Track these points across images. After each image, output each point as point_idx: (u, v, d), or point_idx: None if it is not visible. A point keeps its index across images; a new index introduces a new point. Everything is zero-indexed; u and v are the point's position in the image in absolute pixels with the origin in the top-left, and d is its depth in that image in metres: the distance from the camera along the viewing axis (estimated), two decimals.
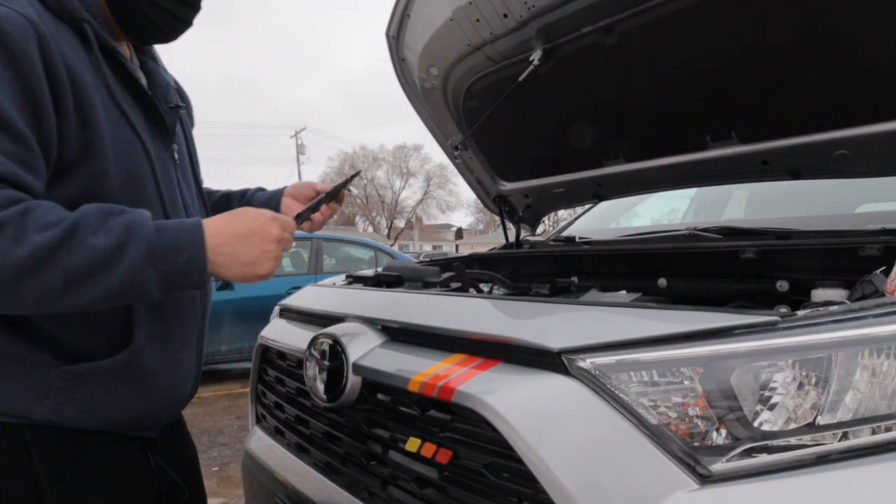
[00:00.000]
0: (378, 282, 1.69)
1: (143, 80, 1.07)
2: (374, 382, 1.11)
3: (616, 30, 1.64)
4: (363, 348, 1.15)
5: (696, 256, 1.62)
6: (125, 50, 1.07)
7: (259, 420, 1.66)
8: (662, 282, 1.67)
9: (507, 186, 2.43)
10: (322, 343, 1.20)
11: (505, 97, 1.97)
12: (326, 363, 1.17)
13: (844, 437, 0.76)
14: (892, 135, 1.37)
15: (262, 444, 1.54)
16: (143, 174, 0.99)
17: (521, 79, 1.87)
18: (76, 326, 0.93)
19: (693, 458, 0.76)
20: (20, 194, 0.80)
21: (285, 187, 1.38)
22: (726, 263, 1.53)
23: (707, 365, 0.78)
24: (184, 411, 1.22)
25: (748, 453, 0.76)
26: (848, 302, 1.09)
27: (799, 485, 0.73)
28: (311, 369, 1.21)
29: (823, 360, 0.77)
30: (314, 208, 1.20)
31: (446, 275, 1.68)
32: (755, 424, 0.76)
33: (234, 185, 1.50)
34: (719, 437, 0.77)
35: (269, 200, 1.36)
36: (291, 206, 1.33)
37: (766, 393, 0.77)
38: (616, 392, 0.80)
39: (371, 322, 1.22)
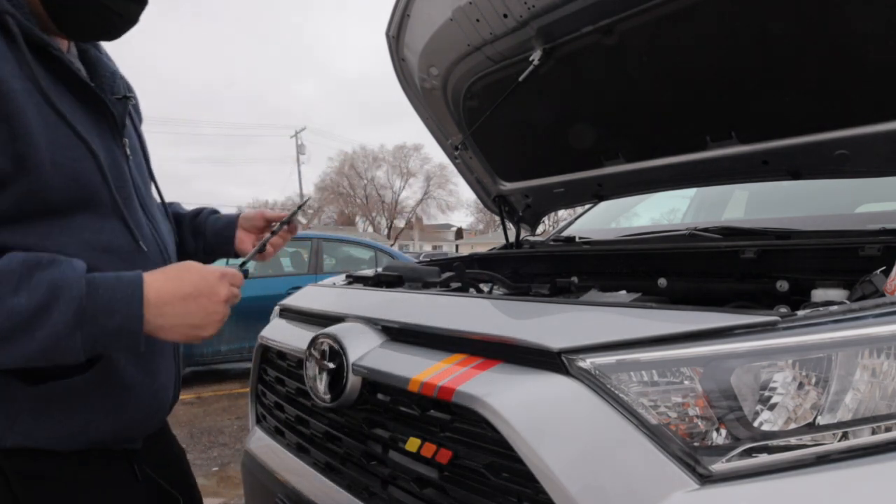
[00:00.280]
0: (378, 282, 1.69)
1: (84, 72, 0.96)
2: (374, 382, 1.11)
3: (616, 30, 1.64)
4: (363, 348, 1.15)
5: (696, 256, 1.62)
6: (60, 42, 0.95)
7: (259, 420, 1.66)
8: (662, 282, 1.67)
9: (507, 186, 2.43)
10: (322, 343, 1.20)
11: (505, 97, 1.97)
12: (326, 363, 1.17)
13: (844, 437, 0.76)
14: (892, 135, 1.37)
15: (262, 444, 1.54)
16: (92, 180, 0.89)
17: (521, 79, 1.87)
18: None
19: (693, 458, 0.76)
20: None
21: (240, 214, 1.33)
22: (726, 263, 1.53)
23: (707, 365, 0.78)
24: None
25: (748, 453, 0.76)
26: (848, 302, 1.09)
27: (799, 485, 0.73)
28: (311, 369, 1.21)
29: (823, 360, 0.77)
30: (262, 248, 1.19)
31: (446, 275, 1.68)
32: (755, 424, 0.76)
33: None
34: (719, 437, 0.77)
35: (224, 229, 1.30)
36: (243, 239, 1.30)
37: (766, 393, 0.77)
38: (616, 392, 0.80)
39: (371, 322, 1.22)
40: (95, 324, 0.77)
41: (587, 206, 2.87)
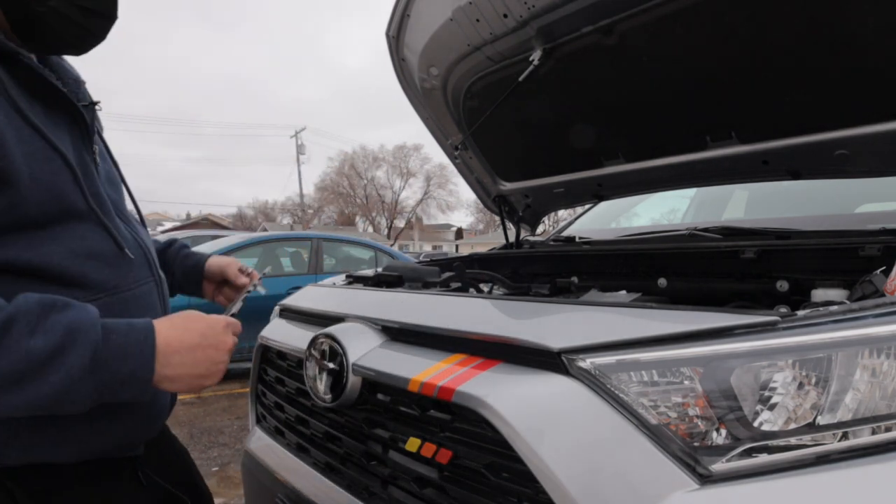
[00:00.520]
0: (378, 282, 1.69)
1: (56, 81, 0.92)
2: (374, 382, 1.11)
3: (616, 30, 1.64)
4: (363, 348, 1.15)
5: (696, 256, 1.62)
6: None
7: (259, 420, 1.66)
8: (662, 282, 1.67)
9: (507, 186, 2.43)
10: (322, 343, 1.20)
11: (505, 97, 1.97)
12: (326, 363, 1.17)
13: (844, 437, 0.76)
14: (892, 135, 1.37)
15: (262, 444, 1.54)
16: (68, 191, 0.86)
17: (521, 79, 1.87)
18: None
19: (693, 458, 0.76)
20: None
21: (208, 257, 1.31)
22: (726, 263, 1.53)
23: (707, 365, 0.78)
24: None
25: (748, 453, 0.76)
26: (848, 302, 1.09)
27: (799, 485, 0.73)
28: (311, 369, 1.21)
29: (823, 360, 0.77)
30: (236, 312, 1.19)
31: (446, 275, 1.68)
32: (755, 424, 0.76)
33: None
34: (719, 437, 0.77)
35: (192, 271, 1.28)
36: (206, 288, 1.30)
37: (766, 393, 0.77)
38: (616, 392, 0.80)
39: (371, 322, 1.22)
40: (108, 370, 0.76)
41: (587, 206, 2.87)
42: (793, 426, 0.76)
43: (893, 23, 1.25)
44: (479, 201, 2.62)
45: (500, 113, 2.05)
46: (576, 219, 2.88)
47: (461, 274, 1.69)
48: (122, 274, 0.93)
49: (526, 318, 1.04)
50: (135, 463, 1.00)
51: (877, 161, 1.47)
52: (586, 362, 0.83)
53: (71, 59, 1.05)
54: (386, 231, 49.50)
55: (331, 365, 1.16)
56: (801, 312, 0.82)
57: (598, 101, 1.92)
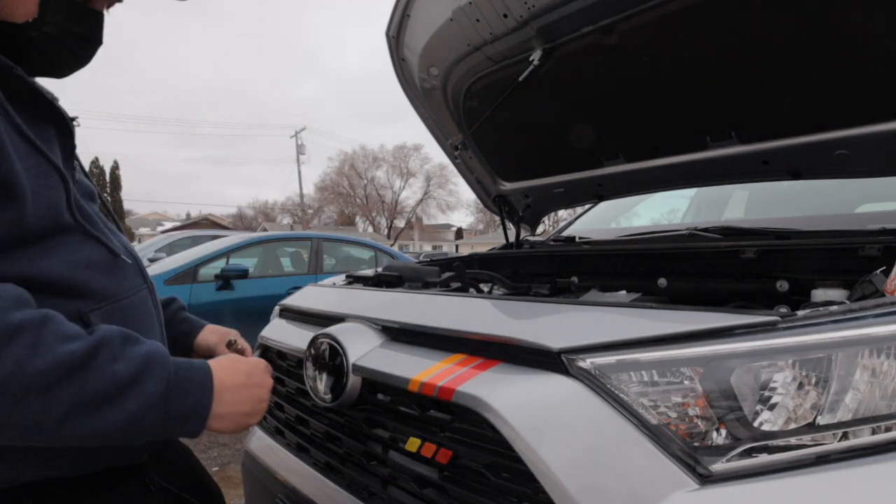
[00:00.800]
0: (378, 282, 1.69)
1: (49, 94, 0.91)
2: (373, 382, 1.11)
3: (616, 30, 1.64)
4: (363, 348, 1.15)
5: (696, 256, 1.62)
6: None
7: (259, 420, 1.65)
8: (662, 282, 1.67)
9: (507, 186, 2.43)
10: (322, 343, 1.20)
11: (505, 97, 1.97)
12: (326, 363, 1.17)
13: (844, 437, 0.76)
14: (892, 135, 1.37)
15: (262, 444, 1.54)
16: (62, 205, 0.86)
17: (521, 79, 1.87)
18: None
19: (693, 458, 0.76)
20: (30, 296, 0.71)
21: (202, 328, 1.30)
22: (726, 263, 1.53)
23: (707, 365, 0.78)
24: None
25: (748, 453, 0.76)
26: (848, 302, 1.09)
27: (799, 485, 0.73)
28: (311, 369, 1.21)
29: (823, 360, 0.77)
30: None
31: (446, 275, 1.68)
32: (755, 424, 0.76)
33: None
34: (719, 437, 0.77)
35: (183, 339, 1.26)
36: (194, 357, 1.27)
37: (766, 393, 0.77)
38: (616, 392, 0.80)
39: (371, 322, 1.22)
40: (176, 401, 0.78)
41: (587, 206, 2.87)
42: (793, 426, 0.76)
43: (893, 23, 1.26)
44: (479, 201, 2.62)
45: (500, 113, 2.05)
46: (576, 219, 2.88)
47: (461, 274, 1.69)
48: (118, 282, 0.94)
49: (526, 318, 1.04)
50: (141, 470, 1.00)
51: (877, 161, 1.47)
52: (586, 362, 0.83)
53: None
54: (386, 231, 49.51)
55: (331, 365, 1.16)
56: (801, 312, 0.82)
57: (598, 101, 1.92)
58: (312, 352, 1.22)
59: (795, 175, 1.65)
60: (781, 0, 1.37)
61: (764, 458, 0.75)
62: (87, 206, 0.96)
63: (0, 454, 0.80)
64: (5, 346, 0.66)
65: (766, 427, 0.76)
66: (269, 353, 1.59)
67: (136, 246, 11.58)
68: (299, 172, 38.31)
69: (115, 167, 54.48)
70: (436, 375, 0.96)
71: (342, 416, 1.22)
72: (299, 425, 1.40)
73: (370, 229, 49.68)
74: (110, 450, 0.91)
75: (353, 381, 1.12)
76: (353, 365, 1.11)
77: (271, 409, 1.56)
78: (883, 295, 0.98)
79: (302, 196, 41.34)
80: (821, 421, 0.76)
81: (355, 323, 1.24)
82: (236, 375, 0.89)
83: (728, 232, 1.70)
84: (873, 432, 0.76)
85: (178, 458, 1.18)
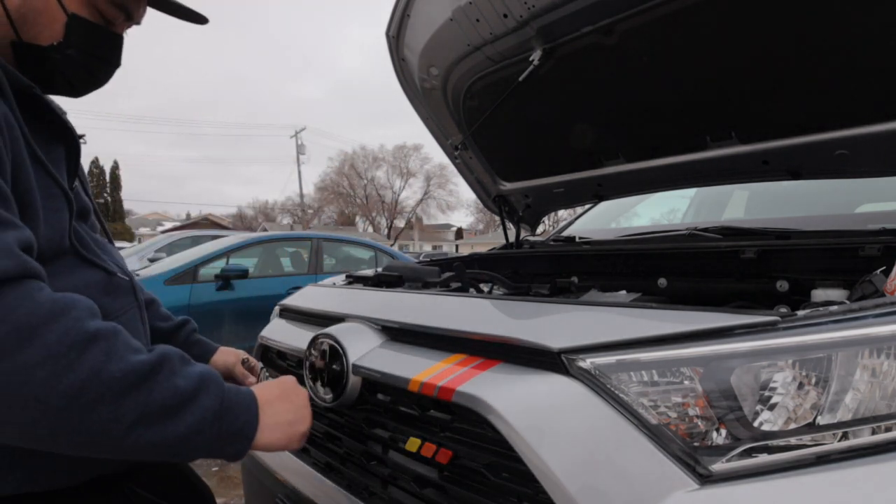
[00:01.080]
0: (378, 282, 1.69)
1: (64, 116, 0.93)
2: (374, 382, 1.11)
3: (616, 30, 1.64)
4: (363, 348, 1.15)
5: (696, 256, 1.62)
6: None
7: None
8: (662, 282, 1.67)
9: (507, 186, 2.43)
10: (322, 343, 1.20)
11: (505, 97, 1.97)
12: (326, 363, 1.17)
13: (844, 437, 0.76)
14: (892, 135, 1.37)
15: None
16: (65, 228, 0.87)
17: (521, 79, 1.87)
18: None
19: (693, 458, 0.76)
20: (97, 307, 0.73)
21: (216, 350, 1.33)
22: (726, 263, 1.53)
23: (707, 365, 0.78)
24: None
25: (748, 453, 0.76)
26: (848, 302, 1.09)
27: (799, 485, 0.73)
28: (311, 369, 1.21)
29: (823, 360, 0.77)
30: None
31: (446, 275, 1.68)
32: (755, 424, 0.76)
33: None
34: (719, 437, 0.77)
35: (203, 355, 1.28)
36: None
37: (766, 393, 0.77)
38: (616, 392, 0.80)
39: (371, 322, 1.22)
40: (227, 418, 0.80)
41: (587, 206, 2.87)
42: (793, 426, 0.76)
43: (893, 23, 1.26)
44: (479, 201, 2.62)
45: (500, 113, 2.05)
46: (576, 219, 2.88)
47: (461, 274, 1.69)
48: (111, 300, 0.94)
49: (526, 318, 1.04)
50: (123, 480, 0.99)
51: (877, 161, 1.47)
52: (586, 362, 0.83)
53: None
54: (386, 231, 49.51)
55: (331, 365, 1.16)
56: (801, 312, 0.82)
57: (598, 101, 1.92)
58: (312, 352, 1.22)
59: (795, 175, 1.65)
60: (781, 0, 1.37)
61: (764, 458, 0.75)
62: (80, 228, 0.96)
63: None
64: (83, 352, 0.68)
65: (766, 427, 0.76)
66: (269, 353, 1.59)
67: (136, 246, 11.61)
68: (299, 172, 38.33)
69: (115, 167, 54.45)
70: (436, 375, 0.96)
71: (342, 416, 1.22)
72: None
73: (370, 229, 49.69)
74: (92, 461, 0.90)
75: (353, 381, 1.12)
76: (353, 365, 1.11)
77: None
78: (883, 295, 0.98)
79: (302, 196, 41.36)
80: (821, 421, 0.76)
81: (355, 323, 1.24)
82: (271, 390, 0.92)
83: (728, 232, 1.70)
84: (873, 432, 0.76)
85: (164, 464, 1.15)
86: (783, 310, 0.97)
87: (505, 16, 1.74)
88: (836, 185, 2.02)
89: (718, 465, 0.75)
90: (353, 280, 1.82)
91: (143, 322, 1.06)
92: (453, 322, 1.07)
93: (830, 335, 0.79)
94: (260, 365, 1.38)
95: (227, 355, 1.33)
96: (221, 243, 6.03)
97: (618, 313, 0.97)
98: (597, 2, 1.57)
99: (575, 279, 1.84)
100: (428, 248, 51.51)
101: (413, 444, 1.01)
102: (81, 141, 1.01)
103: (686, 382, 0.79)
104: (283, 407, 0.91)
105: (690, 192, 2.79)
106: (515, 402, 0.84)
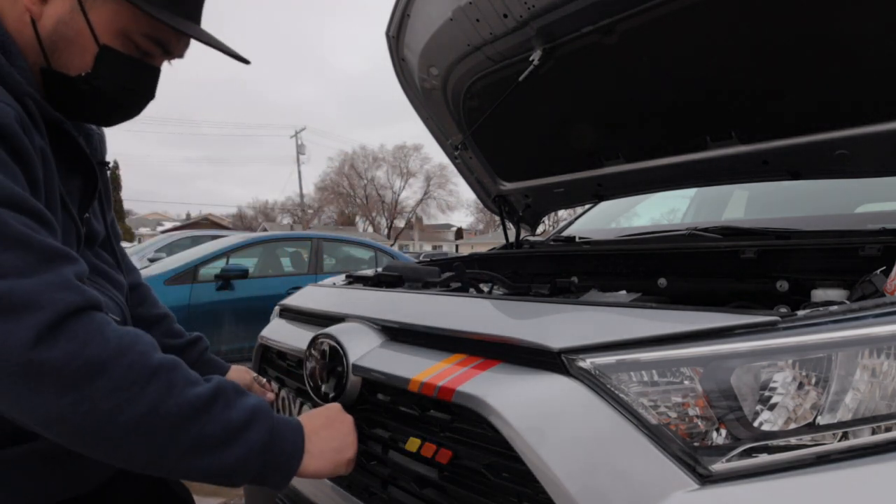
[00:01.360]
0: (378, 282, 1.69)
1: (87, 149, 0.95)
2: (373, 382, 1.11)
3: (616, 30, 1.64)
4: (363, 348, 1.15)
5: (696, 256, 1.62)
6: None
7: None
8: (662, 282, 1.67)
9: (507, 186, 2.43)
10: (322, 343, 1.20)
11: (505, 97, 1.97)
12: (326, 363, 1.17)
13: (844, 437, 0.76)
14: (892, 135, 1.37)
15: None
16: None
17: (521, 79, 1.86)
18: None
19: (693, 458, 0.75)
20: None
21: (229, 369, 1.36)
22: (726, 263, 1.53)
23: (707, 365, 0.78)
24: None
25: (748, 453, 0.76)
26: (848, 302, 1.09)
27: (799, 485, 0.73)
28: (311, 369, 1.21)
29: (823, 360, 0.77)
30: None
31: (446, 275, 1.68)
32: (755, 424, 0.76)
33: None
34: (719, 437, 0.77)
35: (215, 374, 1.30)
36: None
37: (766, 393, 0.77)
38: (616, 392, 0.80)
39: (371, 322, 1.22)
40: (273, 450, 0.82)
41: (587, 206, 2.87)
42: (793, 426, 0.76)
43: (893, 23, 1.26)
44: (479, 201, 2.61)
45: (500, 113, 2.05)
46: (576, 219, 2.88)
47: (461, 274, 1.69)
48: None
49: (526, 318, 1.04)
50: (90, 501, 0.97)
51: (877, 161, 1.47)
52: (586, 362, 0.83)
53: None
54: (386, 231, 49.51)
55: (331, 365, 1.16)
56: (801, 312, 0.82)
57: (599, 101, 1.92)
58: (313, 352, 1.22)
59: (795, 175, 1.65)
60: (781, 0, 1.37)
61: (764, 458, 0.75)
62: (84, 255, 0.97)
63: None
64: (146, 386, 0.71)
65: (766, 427, 0.76)
66: (269, 353, 1.59)
67: (136, 246, 11.57)
68: (299, 172, 38.33)
69: (115, 167, 54.51)
70: (436, 375, 0.96)
71: None
72: None
73: (370, 229, 49.69)
74: (56, 483, 0.90)
75: (353, 381, 1.12)
76: (354, 365, 1.11)
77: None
78: (883, 295, 0.98)
79: (302, 196, 41.37)
80: (821, 421, 0.76)
81: (355, 323, 1.24)
82: (316, 419, 0.95)
83: (728, 232, 1.70)
84: (873, 432, 0.76)
85: (136, 480, 1.12)
86: (783, 310, 0.97)
87: (505, 16, 1.74)
88: (836, 185, 2.02)
89: (718, 465, 0.75)
90: (353, 280, 1.82)
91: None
92: (453, 322, 1.07)
93: (830, 335, 0.79)
94: (264, 379, 1.40)
95: (241, 373, 1.35)
96: (221, 243, 6.03)
97: (618, 313, 0.97)
98: (597, 2, 1.57)
99: (575, 279, 1.84)
100: (428, 248, 51.51)
101: (413, 444, 1.01)
102: (109, 167, 1.05)
103: (686, 382, 0.79)
104: (328, 434, 0.93)
105: (690, 192, 2.79)
106: (515, 402, 0.84)
